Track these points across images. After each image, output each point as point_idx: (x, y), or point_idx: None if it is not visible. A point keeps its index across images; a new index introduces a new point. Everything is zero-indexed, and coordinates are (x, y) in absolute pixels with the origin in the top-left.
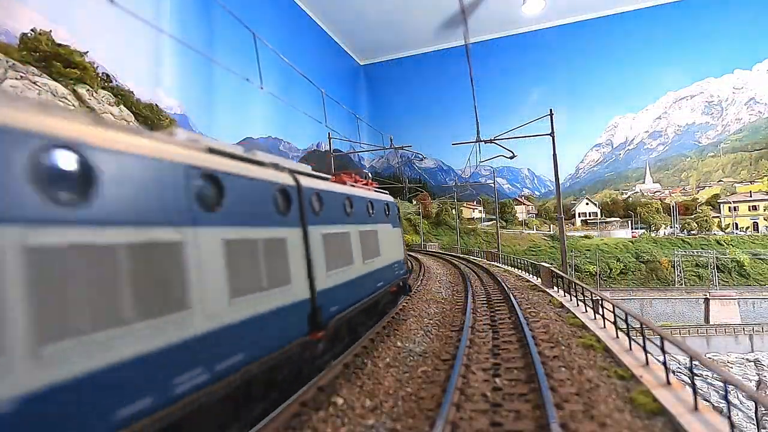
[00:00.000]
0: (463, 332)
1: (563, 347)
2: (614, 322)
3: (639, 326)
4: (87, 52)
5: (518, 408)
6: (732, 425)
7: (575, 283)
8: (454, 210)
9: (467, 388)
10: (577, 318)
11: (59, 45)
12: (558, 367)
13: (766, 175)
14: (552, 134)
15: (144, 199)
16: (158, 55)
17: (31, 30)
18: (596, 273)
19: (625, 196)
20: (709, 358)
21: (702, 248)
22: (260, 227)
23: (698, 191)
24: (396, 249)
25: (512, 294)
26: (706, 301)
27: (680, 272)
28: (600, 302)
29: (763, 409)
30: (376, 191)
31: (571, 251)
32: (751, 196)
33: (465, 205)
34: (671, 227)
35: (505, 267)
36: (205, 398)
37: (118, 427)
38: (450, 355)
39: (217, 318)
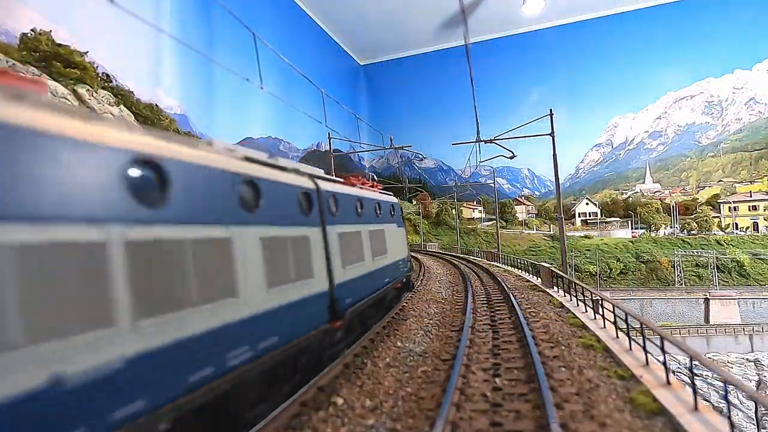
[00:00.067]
0: (463, 332)
1: (563, 347)
2: (614, 322)
3: (639, 326)
4: (87, 52)
5: (518, 408)
6: (732, 425)
7: (575, 283)
8: (454, 210)
9: (467, 388)
10: (577, 318)
11: (59, 45)
12: (558, 367)
13: (766, 175)
14: (552, 134)
15: (203, 201)
16: (158, 55)
17: (31, 30)
18: (596, 273)
19: (625, 196)
20: (709, 358)
21: (702, 248)
22: (288, 226)
23: (698, 191)
24: (400, 247)
25: (512, 294)
26: (706, 301)
27: (680, 272)
28: (600, 302)
29: (763, 409)
30: (381, 193)
31: (571, 251)
32: (751, 196)
33: (465, 205)
34: (671, 227)
35: (505, 267)
36: (248, 373)
37: (194, 389)
38: (450, 355)
39: (258, 304)
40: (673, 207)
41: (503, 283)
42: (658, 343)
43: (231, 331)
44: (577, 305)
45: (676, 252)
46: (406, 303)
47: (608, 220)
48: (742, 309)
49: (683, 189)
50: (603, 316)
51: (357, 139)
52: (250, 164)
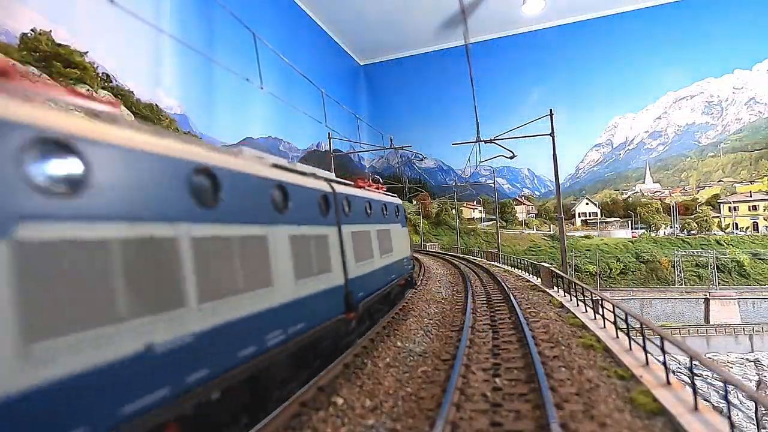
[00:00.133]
0: (463, 332)
1: (563, 347)
2: (614, 322)
3: (639, 326)
4: (87, 52)
5: (518, 408)
6: (732, 425)
7: (575, 283)
8: (454, 210)
9: (467, 388)
10: (577, 318)
11: (59, 45)
12: (558, 367)
13: (766, 175)
14: (552, 134)
15: (246, 204)
16: (158, 55)
17: (31, 30)
18: (596, 273)
19: (625, 196)
20: (709, 358)
21: (702, 248)
22: (311, 226)
23: (698, 191)
24: (404, 247)
25: (512, 294)
26: (706, 301)
27: (680, 272)
28: (600, 302)
29: (763, 409)
30: (386, 194)
31: (571, 251)
32: (751, 196)
33: (465, 205)
34: (671, 227)
35: (505, 267)
36: (279, 354)
37: (239, 365)
38: (450, 355)
39: (288, 294)
40: (673, 207)
41: (503, 283)
42: (658, 343)
43: (268, 315)
44: (577, 305)
45: (676, 252)
46: (406, 303)
47: (608, 220)
48: (742, 309)
49: (683, 189)
50: (603, 316)
51: (357, 139)
52: (278, 170)
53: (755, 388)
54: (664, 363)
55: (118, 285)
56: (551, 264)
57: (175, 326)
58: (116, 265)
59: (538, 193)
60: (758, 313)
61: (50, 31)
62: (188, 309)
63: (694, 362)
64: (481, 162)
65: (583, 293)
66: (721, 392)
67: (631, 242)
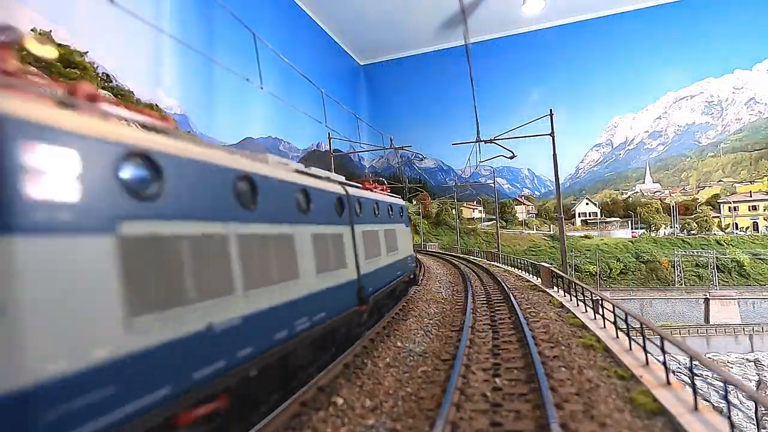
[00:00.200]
0: (463, 332)
1: (563, 347)
2: (614, 322)
3: (639, 326)
4: (87, 52)
5: (518, 408)
6: (732, 425)
7: (575, 283)
8: (454, 210)
9: (467, 388)
10: (577, 318)
11: (59, 45)
12: (558, 367)
13: (766, 175)
14: (552, 134)
15: (278, 206)
16: (158, 55)
17: (31, 30)
18: (596, 273)
19: (625, 196)
20: (709, 358)
21: (702, 248)
22: (329, 225)
23: (698, 191)
24: (408, 245)
25: (512, 294)
26: (706, 301)
27: (680, 272)
28: (600, 302)
29: (763, 409)
30: (391, 196)
31: (571, 251)
32: (751, 196)
33: (465, 205)
34: (671, 227)
35: (505, 267)
36: (304, 340)
37: (274, 347)
38: (450, 355)
39: (311, 286)
40: (673, 207)
41: (503, 283)
42: (658, 343)
43: (296, 304)
44: (577, 305)
45: (676, 252)
46: (406, 303)
47: (608, 220)
48: (742, 309)
49: (683, 189)
50: (603, 316)
51: (357, 139)
52: (301, 175)
53: (755, 388)
54: (664, 363)
55: (187, 273)
56: (551, 264)
57: (228, 310)
58: (185, 257)
59: (538, 193)
60: (758, 313)
61: (50, 31)
62: (236, 296)
63: (694, 362)
64: (481, 162)
65: (583, 293)
66: (721, 392)
67: (631, 242)
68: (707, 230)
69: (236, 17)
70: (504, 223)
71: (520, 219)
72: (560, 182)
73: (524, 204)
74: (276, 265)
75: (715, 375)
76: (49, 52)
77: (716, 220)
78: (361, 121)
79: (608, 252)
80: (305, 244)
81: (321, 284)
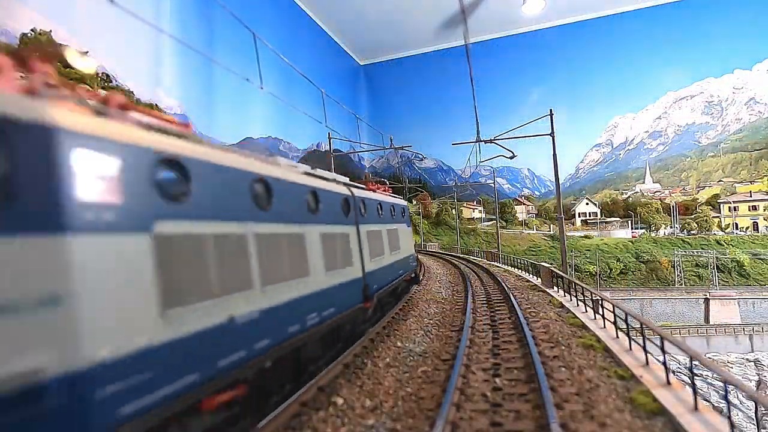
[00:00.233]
0: (463, 332)
1: (563, 347)
2: (614, 322)
3: (639, 326)
4: (87, 52)
5: (518, 408)
6: (732, 425)
7: (575, 283)
8: (454, 210)
9: (467, 388)
10: (577, 318)
11: (59, 45)
12: (558, 367)
13: (766, 175)
14: (552, 134)
15: (289, 206)
16: (158, 55)
17: (31, 30)
18: (596, 273)
19: (625, 196)
20: (709, 358)
21: (702, 248)
22: (336, 225)
23: (698, 191)
24: (410, 245)
25: (512, 294)
26: (706, 301)
27: (680, 272)
28: (600, 302)
29: (763, 409)
30: (392, 196)
31: (571, 251)
32: (751, 196)
33: (465, 205)
34: (671, 227)
35: (505, 267)
36: (314, 335)
37: (287, 339)
38: (450, 355)
39: (321, 283)
40: (673, 207)
41: (503, 283)
42: (658, 343)
43: (307, 300)
44: (577, 305)
45: (676, 252)
46: (406, 303)
47: (608, 220)
48: (742, 309)
49: (683, 189)
50: (603, 316)
51: (357, 139)
52: (310, 177)
53: (755, 388)
54: (664, 363)
55: (211, 269)
56: (551, 264)
57: (247, 304)
58: (210, 254)
59: (538, 193)
60: (758, 313)
61: (50, 31)
62: (254, 291)
63: (694, 362)
64: (481, 162)
65: (583, 293)
66: (721, 392)
67: (631, 242)
68: (707, 230)
69: (236, 17)
70: (504, 223)
71: (520, 219)
72: (560, 182)
73: (524, 204)
74: (289, 263)
75: (715, 375)
76: (89, 67)
77: (716, 220)
78: (361, 121)
79: (608, 252)
80: (315, 243)
81: (329, 281)
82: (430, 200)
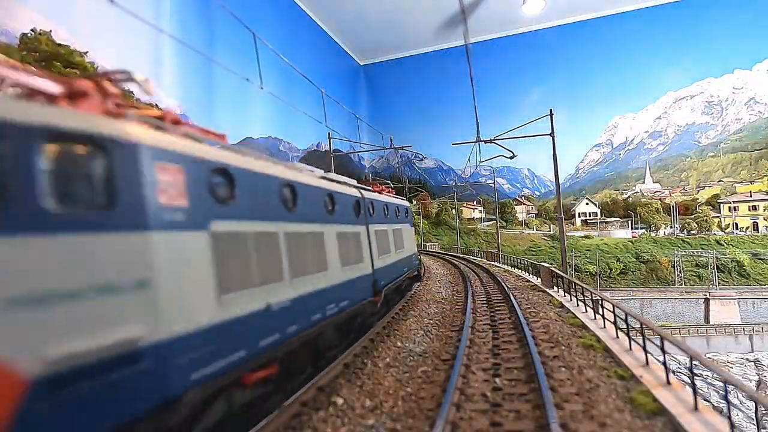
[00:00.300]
0: (463, 332)
1: (563, 347)
2: (614, 322)
3: (639, 326)
4: (87, 52)
5: (518, 408)
6: (732, 425)
7: (575, 283)
8: (454, 210)
9: (467, 388)
10: (577, 318)
11: (59, 45)
12: (558, 367)
13: (766, 175)
14: (552, 134)
15: (311, 208)
16: (158, 55)
17: (31, 30)
18: (596, 273)
19: (625, 196)
20: (709, 358)
21: (702, 248)
22: (350, 225)
23: (698, 191)
24: (412, 244)
25: (512, 294)
26: (706, 301)
27: (680, 272)
28: (600, 302)
29: (763, 409)
30: (396, 197)
31: (571, 251)
32: (751, 196)
33: (465, 205)
34: (671, 227)
35: (505, 267)
36: (331, 324)
37: (311, 327)
38: (450, 355)
39: (337, 277)
40: (673, 207)
41: (503, 283)
42: (658, 343)
43: (326, 292)
44: (577, 305)
45: (676, 252)
46: (406, 303)
47: (608, 220)
48: (742, 309)
49: (683, 189)
50: (603, 316)
51: (357, 139)
52: (326, 181)
53: (755, 388)
54: (664, 363)
55: (252, 262)
56: (551, 264)
57: (279, 293)
58: (250, 249)
59: (538, 193)
60: (758, 313)
61: (50, 31)
62: (285, 282)
63: (694, 362)
64: (481, 162)
65: (583, 293)
66: (721, 392)
67: (631, 242)
68: (707, 230)
69: (236, 17)
70: (504, 223)
71: (520, 219)
72: (560, 182)
73: (524, 204)
74: (311, 259)
75: (715, 375)
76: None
77: (716, 220)
78: (361, 121)
79: (608, 252)
80: (332, 241)
81: (344, 276)
82: (430, 200)
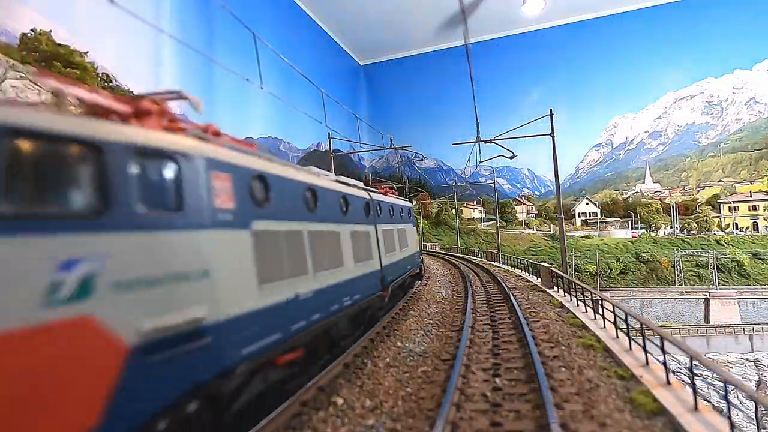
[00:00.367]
0: (463, 332)
1: (563, 347)
2: (614, 322)
3: (639, 326)
4: (87, 52)
5: (518, 408)
6: (732, 425)
7: (575, 283)
8: (454, 210)
9: (467, 388)
10: (577, 318)
11: (59, 45)
12: (558, 367)
13: (766, 175)
14: (552, 134)
15: (329, 209)
16: (158, 55)
17: (31, 30)
18: (596, 273)
19: (625, 196)
20: (709, 358)
21: (702, 248)
22: (360, 224)
23: (698, 191)
24: (415, 243)
25: (512, 294)
26: (706, 301)
27: (680, 272)
28: (600, 302)
29: (763, 409)
30: (400, 198)
31: (571, 251)
32: (751, 196)
33: (465, 205)
34: (671, 227)
35: (505, 267)
36: (346, 315)
37: (329, 317)
38: (450, 355)
39: (351, 272)
40: (673, 207)
41: (503, 283)
42: (658, 343)
43: (342, 286)
44: (577, 305)
45: (676, 252)
46: (406, 303)
47: (608, 220)
48: (742, 309)
49: (683, 189)
50: (603, 316)
51: (357, 139)
52: (340, 184)
53: (755, 388)
54: (664, 363)
55: (283, 257)
56: (551, 264)
57: (305, 285)
58: (282, 245)
59: (538, 193)
60: (758, 313)
61: (50, 31)
62: (309, 275)
63: (694, 362)
64: (481, 162)
65: (583, 293)
66: (721, 392)
67: (631, 242)
68: (707, 230)
69: (236, 17)
70: (504, 223)
71: (520, 219)
72: (560, 182)
73: (524, 204)
74: (329, 255)
75: (715, 375)
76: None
77: (716, 220)
78: (361, 121)
79: (608, 252)
80: (346, 240)
81: (357, 272)
82: (430, 200)
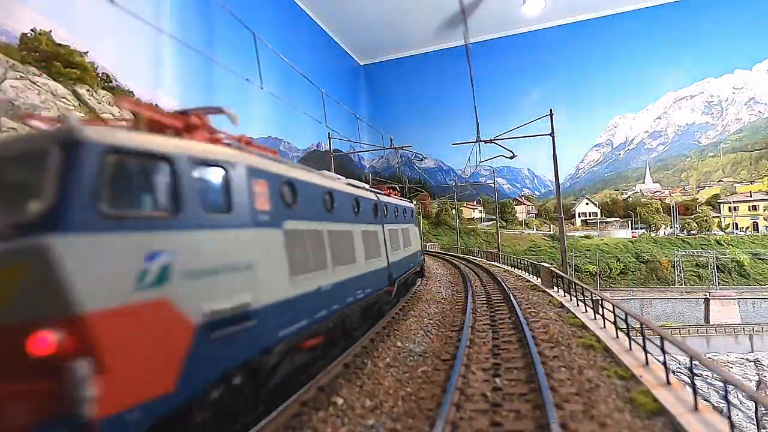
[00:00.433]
0: (463, 332)
1: (563, 347)
2: (614, 322)
3: (639, 326)
4: (87, 52)
5: (518, 408)
6: (732, 425)
7: (575, 283)
8: (454, 210)
9: (467, 388)
10: (577, 318)
11: (59, 45)
12: (558, 367)
13: (766, 175)
14: (552, 134)
15: (344, 210)
16: (158, 55)
17: (31, 30)
18: (596, 273)
19: (625, 196)
20: (709, 358)
21: (702, 248)
22: (369, 224)
23: (698, 191)
24: (417, 242)
25: (512, 294)
26: (706, 301)
27: (680, 272)
28: (600, 302)
29: (763, 409)
30: (403, 199)
31: (571, 251)
32: (751, 196)
33: (465, 205)
34: (671, 227)
35: (505, 267)
36: (357, 308)
37: (342, 309)
38: (450, 355)
39: (362, 268)
40: (673, 207)
41: (503, 283)
42: (658, 343)
43: (355, 280)
44: (577, 305)
45: (676, 252)
46: (406, 304)
47: (608, 220)
48: (742, 309)
49: (683, 189)
50: (603, 316)
51: (357, 139)
52: (352, 187)
53: (755, 388)
54: (664, 363)
55: (308, 253)
56: (551, 264)
57: (325, 278)
58: (307, 243)
59: (538, 193)
60: (758, 313)
61: (50, 31)
62: (329, 270)
63: (694, 362)
64: (481, 162)
65: (583, 293)
66: (721, 392)
67: (631, 242)
68: (707, 230)
69: (236, 17)
70: (504, 223)
71: (520, 219)
72: (560, 182)
73: (524, 204)
74: (344, 252)
75: (715, 375)
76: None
77: (716, 220)
78: (361, 121)
79: (608, 252)
80: (358, 238)
81: (367, 268)
82: (430, 200)
